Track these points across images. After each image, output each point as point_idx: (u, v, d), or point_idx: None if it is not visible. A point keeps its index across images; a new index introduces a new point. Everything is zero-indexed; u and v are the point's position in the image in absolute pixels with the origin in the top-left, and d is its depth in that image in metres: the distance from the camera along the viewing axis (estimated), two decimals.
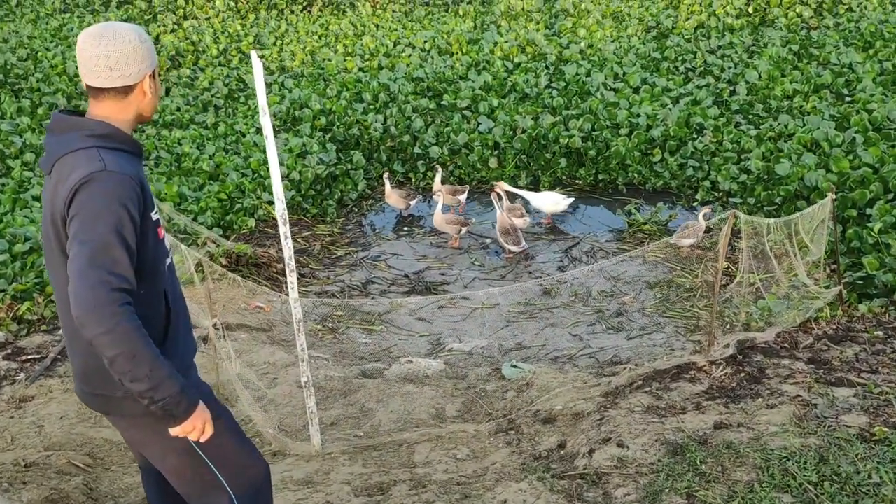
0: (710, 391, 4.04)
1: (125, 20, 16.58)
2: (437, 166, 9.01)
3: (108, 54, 2.26)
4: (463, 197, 8.57)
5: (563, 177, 9.47)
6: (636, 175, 9.16)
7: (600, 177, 9.31)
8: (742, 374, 4.17)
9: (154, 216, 2.34)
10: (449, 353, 5.74)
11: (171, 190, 8.62)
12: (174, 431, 2.29)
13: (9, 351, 4.91)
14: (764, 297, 5.40)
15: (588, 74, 11.39)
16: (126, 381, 2.13)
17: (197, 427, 2.29)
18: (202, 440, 2.34)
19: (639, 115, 9.81)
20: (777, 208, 7.66)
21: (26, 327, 5.35)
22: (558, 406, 4.26)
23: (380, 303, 6.29)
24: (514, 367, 5.11)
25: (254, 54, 3.12)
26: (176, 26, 16.06)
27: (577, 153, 9.52)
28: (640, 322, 6.28)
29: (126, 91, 2.32)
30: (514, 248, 7.61)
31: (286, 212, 3.46)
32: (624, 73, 11.33)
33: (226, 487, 2.51)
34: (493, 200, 7.87)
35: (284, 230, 3.50)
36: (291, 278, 3.58)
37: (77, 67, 12.69)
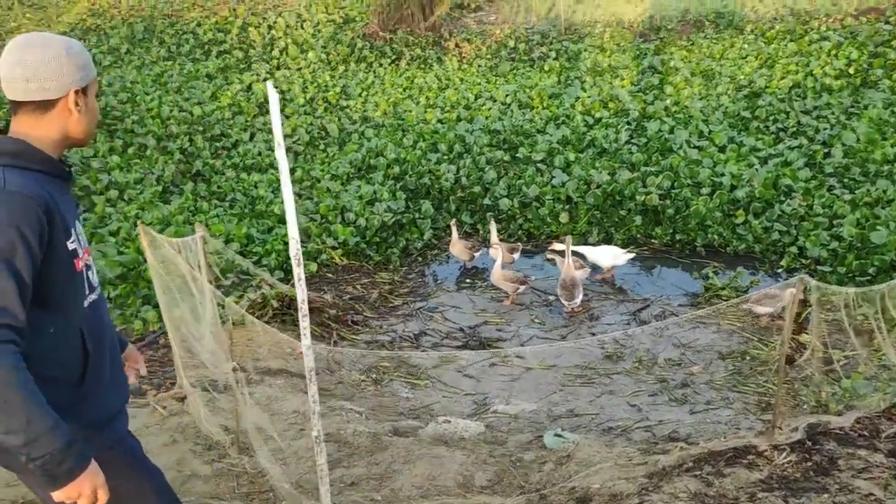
0: (769, 481, 3.54)
1: (222, 69, 17.31)
2: (492, 220, 8.73)
3: (27, 64, 2.04)
4: (516, 255, 8.25)
5: (638, 235, 9.02)
6: (716, 237, 8.63)
7: (677, 237, 8.82)
8: (809, 464, 3.65)
9: (71, 245, 2.09)
10: (493, 416, 5.37)
11: (240, 231, 8.68)
12: (55, 496, 1.93)
13: None
14: (846, 377, 4.82)
15: (671, 131, 10.98)
16: None
17: (84, 493, 1.94)
18: None
19: (723, 175, 9.31)
20: (870, 279, 6.99)
21: None
22: (596, 484, 3.84)
23: (424, 356, 6.01)
24: (558, 436, 4.71)
25: (269, 85, 2.97)
26: (268, 75, 16.60)
27: (653, 211, 9.08)
28: (706, 395, 5.75)
29: (46, 106, 2.09)
30: (566, 303, 7.29)
31: (300, 252, 3.27)
32: (710, 132, 10.86)
33: None
34: (555, 257, 7.62)
35: (298, 271, 3.29)
36: (304, 323, 3.37)
37: (170, 110, 13.25)
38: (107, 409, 2.23)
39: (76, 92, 2.13)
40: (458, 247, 8.38)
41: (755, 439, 4.04)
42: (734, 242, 8.55)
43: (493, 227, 8.42)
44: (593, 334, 7.05)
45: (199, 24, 20.34)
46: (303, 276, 3.32)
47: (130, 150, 12.01)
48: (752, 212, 8.74)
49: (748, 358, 6.31)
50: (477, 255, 8.42)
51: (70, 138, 2.17)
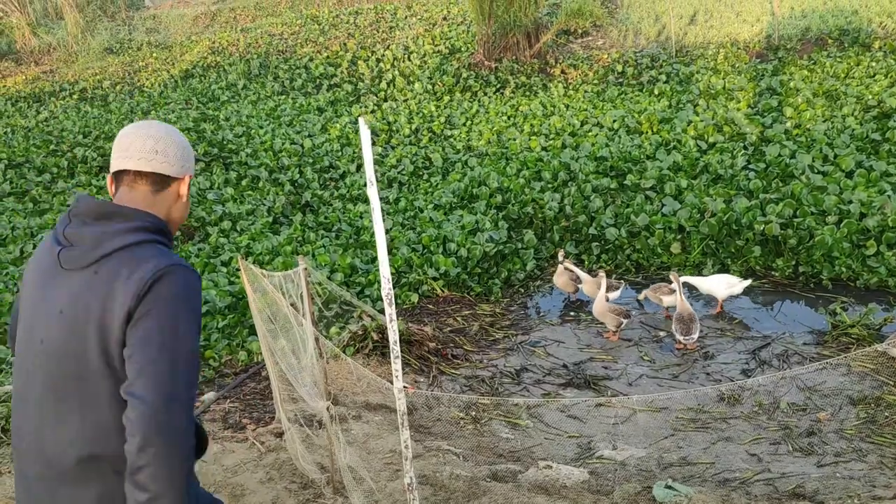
0: None
1: (332, 102, 17.78)
2: (561, 250, 8.64)
3: (158, 138, 2.07)
4: (615, 294, 7.80)
5: (757, 267, 8.46)
6: (844, 269, 7.97)
7: (801, 269, 8.21)
8: None
9: None
10: (598, 462, 5.07)
11: (344, 262, 8.76)
12: None
13: None
14: None
15: (793, 156, 10.33)
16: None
17: None
18: None
19: (850, 202, 8.62)
20: None
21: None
22: None
23: (523, 401, 5.77)
24: (669, 487, 4.36)
25: (361, 120, 2.89)
26: (376, 107, 16.92)
27: (773, 241, 8.50)
28: (836, 446, 5.23)
29: (164, 183, 2.08)
30: (681, 339, 6.90)
31: (392, 291, 3.15)
32: (835, 156, 10.14)
33: None
34: (658, 297, 7.46)
35: (390, 311, 3.18)
36: (396, 365, 3.24)
37: (282, 142, 13.66)
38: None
39: (190, 175, 2.17)
40: (562, 278, 8.12)
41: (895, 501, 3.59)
42: (865, 275, 7.87)
43: (566, 260, 8.21)
44: (708, 374, 6.61)
45: (311, 59, 21.08)
46: (394, 317, 3.20)
47: (244, 182, 12.44)
48: (884, 242, 8.03)
49: (883, 405, 5.71)
50: (581, 287, 8.13)
51: (170, 221, 2.13)
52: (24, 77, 23.91)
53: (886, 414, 5.55)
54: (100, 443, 1.87)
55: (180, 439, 1.76)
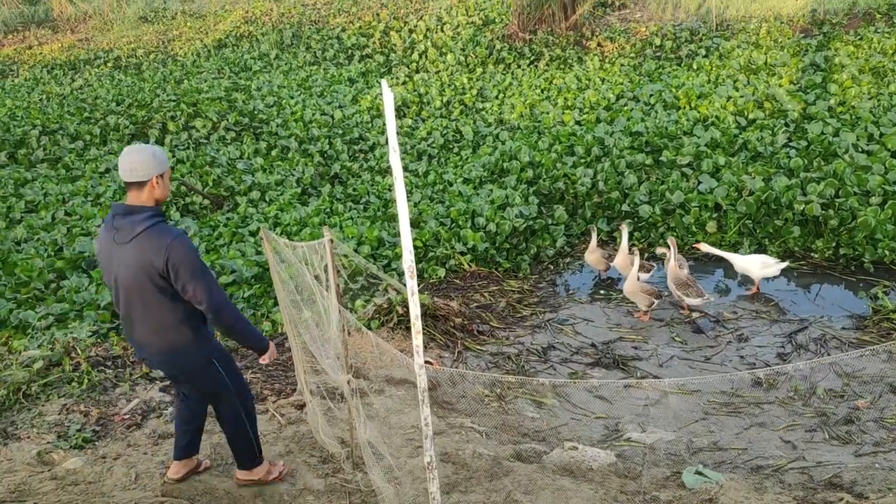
0: None
1: (363, 73, 17.61)
2: (624, 224, 8.03)
3: (132, 160, 3.50)
4: (646, 276, 7.60)
5: (796, 248, 8.19)
6: (888, 252, 7.68)
7: (841, 251, 7.93)
8: None
9: None
10: (625, 444, 4.93)
11: (372, 234, 8.65)
12: (262, 359, 3.84)
13: (167, 383, 4.95)
14: None
15: (836, 134, 9.97)
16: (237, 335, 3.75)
17: (271, 353, 3.84)
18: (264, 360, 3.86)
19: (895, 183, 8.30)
20: None
21: None
22: None
23: (549, 382, 5.63)
24: (699, 473, 4.21)
25: (384, 83, 2.74)
26: (407, 79, 16.71)
27: (814, 222, 8.22)
28: (875, 435, 5.03)
29: (142, 185, 3.52)
30: (694, 302, 6.98)
31: (414, 264, 3.02)
32: (881, 135, 9.75)
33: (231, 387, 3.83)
34: (666, 251, 7.37)
35: (411, 284, 3.05)
36: (417, 341, 3.12)
37: (312, 113, 13.56)
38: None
39: (157, 177, 3.55)
40: (594, 255, 7.92)
41: None
42: None
43: (625, 231, 7.77)
44: (742, 357, 6.41)
45: (343, 30, 20.88)
46: (416, 290, 3.08)
47: (274, 153, 12.38)
48: None
49: None
50: (612, 264, 7.94)
51: (158, 200, 3.60)
52: (59, 45, 24.06)
53: None
54: (154, 323, 3.55)
55: (223, 302, 3.58)
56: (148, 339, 3.59)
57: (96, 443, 4.40)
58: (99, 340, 6.09)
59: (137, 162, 3.47)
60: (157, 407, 4.69)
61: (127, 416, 4.62)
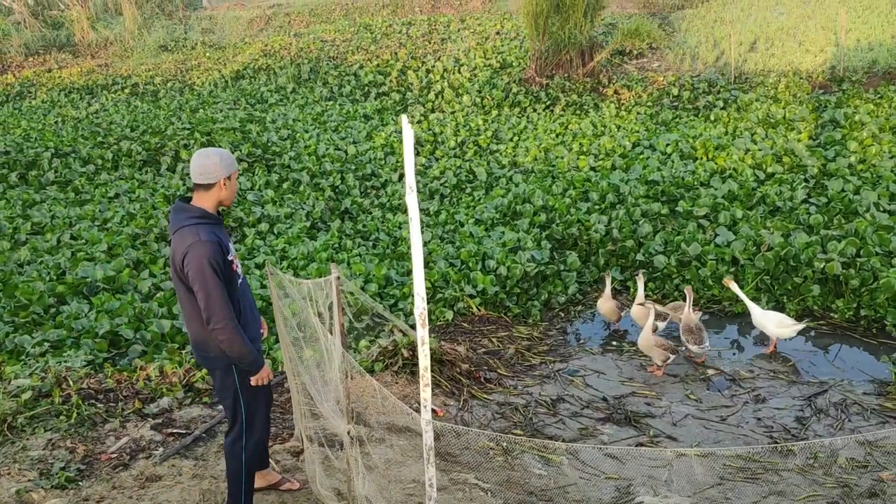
0: None
1: (379, 110, 17.62)
2: (640, 273, 7.76)
3: (202, 163, 3.73)
4: (662, 325, 7.38)
5: (815, 307, 7.95)
6: None
7: (862, 312, 7.68)
8: None
9: (229, 258, 3.78)
10: None
11: (379, 272, 8.48)
12: (253, 380, 3.82)
13: (160, 420, 4.73)
14: None
15: (857, 192, 9.79)
16: (231, 352, 3.71)
17: (263, 376, 3.84)
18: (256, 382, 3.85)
19: None
20: None
21: (192, 397, 5.18)
22: None
23: (558, 444, 5.38)
24: None
25: (405, 119, 2.59)
26: (422, 118, 16.69)
27: (834, 281, 8.00)
28: None
29: (209, 186, 3.76)
30: (694, 349, 6.89)
31: (426, 311, 2.83)
32: None
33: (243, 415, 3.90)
34: (687, 294, 7.19)
35: (422, 333, 2.86)
36: (425, 394, 2.92)
37: (326, 148, 13.50)
38: (249, 334, 3.88)
39: (224, 179, 3.78)
40: (609, 304, 7.69)
41: None
42: None
43: (640, 281, 7.57)
44: (759, 419, 6.14)
45: (361, 67, 20.99)
46: (427, 339, 2.88)
47: (285, 185, 12.28)
48: None
49: None
50: (625, 314, 7.72)
51: (222, 203, 3.85)
52: (79, 69, 24.27)
53: None
54: (186, 313, 3.79)
55: (221, 316, 3.65)
56: (186, 325, 3.88)
57: (80, 483, 4.17)
58: (93, 371, 5.88)
59: (208, 165, 3.69)
60: (147, 447, 4.47)
61: (114, 455, 4.40)
